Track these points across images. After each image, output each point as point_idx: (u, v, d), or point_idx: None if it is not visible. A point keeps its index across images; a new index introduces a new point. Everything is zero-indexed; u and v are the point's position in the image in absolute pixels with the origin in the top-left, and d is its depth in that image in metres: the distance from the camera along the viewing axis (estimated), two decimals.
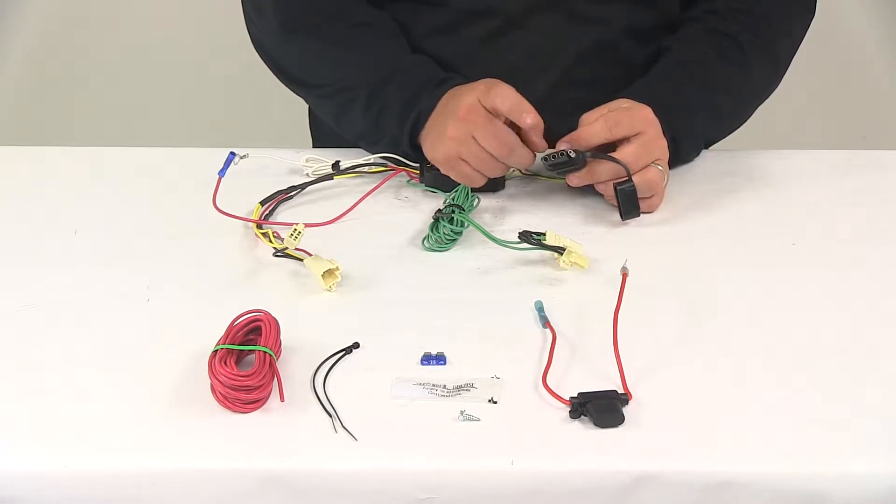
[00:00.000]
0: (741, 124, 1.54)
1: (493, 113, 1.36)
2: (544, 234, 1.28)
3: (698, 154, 1.50)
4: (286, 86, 1.57)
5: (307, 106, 1.67)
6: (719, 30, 1.51)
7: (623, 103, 1.38)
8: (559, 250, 1.27)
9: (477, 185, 1.39)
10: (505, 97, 1.35)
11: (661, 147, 1.37)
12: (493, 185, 1.43)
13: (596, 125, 1.35)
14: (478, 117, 1.36)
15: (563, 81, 1.51)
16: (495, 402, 1.08)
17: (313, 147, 1.70)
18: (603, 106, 1.38)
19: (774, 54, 1.53)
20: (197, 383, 1.09)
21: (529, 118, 1.34)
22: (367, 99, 1.46)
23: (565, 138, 1.36)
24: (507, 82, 1.39)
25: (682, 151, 1.45)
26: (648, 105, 1.38)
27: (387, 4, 1.52)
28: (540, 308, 1.21)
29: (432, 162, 1.41)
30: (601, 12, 1.50)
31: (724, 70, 1.49)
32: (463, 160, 1.38)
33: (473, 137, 1.36)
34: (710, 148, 1.56)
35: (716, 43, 1.50)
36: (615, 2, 1.50)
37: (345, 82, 1.49)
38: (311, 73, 1.53)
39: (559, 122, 1.38)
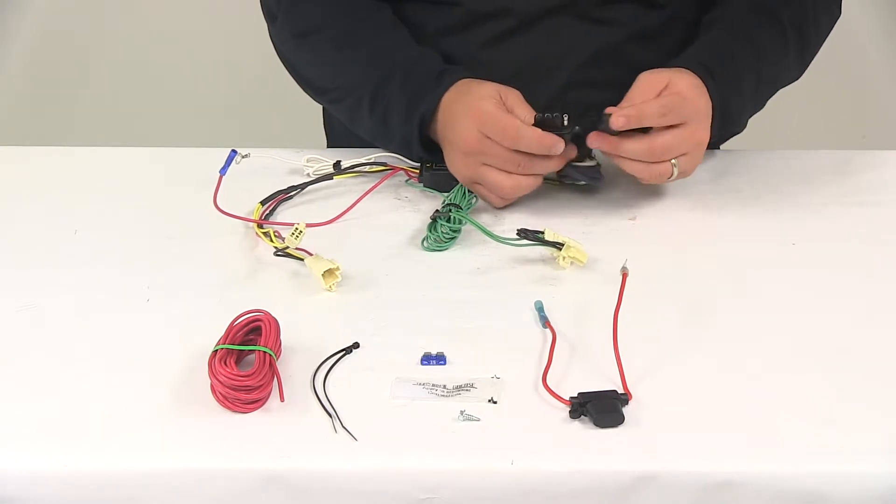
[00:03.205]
0: (764, 103, 1.54)
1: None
2: (543, 233, 1.28)
3: (741, 121, 1.50)
4: (307, 93, 1.57)
5: (321, 106, 1.68)
6: (764, 6, 1.51)
7: (678, 82, 1.37)
8: (558, 246, 1.27)
9: (500, 205, 1.39)
10: (530, 141, 1.34)
11: (695, 141, 1.36)
12: None
13: (651, 107, 1.34)
14: (483, 145, 1.35)
15: (572, 82, 1.51)
16: (495, 402, 1.08)
17: (328, 147, 1.71)
18: (664, 75, 1.37)
19: (806, 41, 1.54)
20: (197, 383, 1.09)
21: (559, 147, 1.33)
22: (370, 101, 1.46)
23: (615, 110, 1.33)
24: (515, 83, 1.40)
25: (731, 115, 1.44)
26: (703, 64, 1.39)
27: (398, 4, 1.52)
28: (540, 308, 1.21)
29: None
30: (610, 14, 1.50)
31: (765, 41, 1.50)
32: (479, 184, 1.38)
33: (486, 165, 1.36)
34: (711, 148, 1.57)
35: (759, 16, 1.51)
36: (624, 4, 1.51)
37: (349, 85, 1.49)
38: (320, 77, 1.53)
39: (586, 121, 1.38)
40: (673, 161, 1.36)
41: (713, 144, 1.54)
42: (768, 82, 1.53)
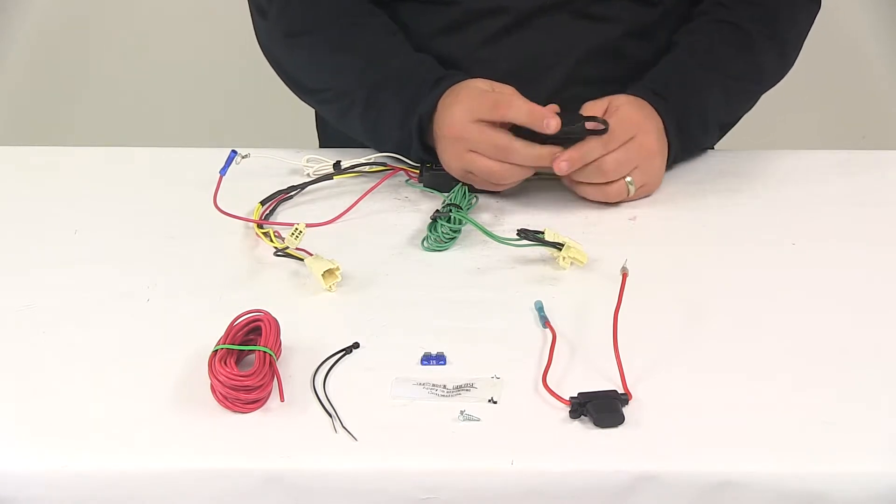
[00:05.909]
0: (747, 109, 1.54)
1: (501, 124, 1.35)
2: (543, 232, 1.28)
3: (708, 134, 1.50)
4: (293, 92, 1.57)
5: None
6: (725, 19, 1.52)
7: (618, 100, 1.39)
8: (558, 246, 1.27)
9: (499, 190, 1.40)
10: (518, 109, 1.34)
11: (645, 152, 1.38)
12: None
13: (591, 143, 1.35)
14: (468, 132, 1.36)
15: (569, 80, 1.51)
16: (495, 402, 1.08)
17: (320, 147, 1.70)
18: (604, 99, 1.39)
19: (781, 41, 1.54)
20: (197, 383, 1.09)
21: (553, 123, 1.33)
22: (364, 104, 1.46)
23: (563, 157, 1.34)
24: (512, 81, 1.40)
25: (689, 130, 1.44)
26: (651, 90, 1.41)
27: (395, 4, 1.52)
28: (540, 308, 1.21)
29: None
30: (605, 11, 1.50)
31: (728, 53, 1.50)
32: (471, 173, 1.38)
33: (472, 151, 1.36)
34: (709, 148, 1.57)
35: (721, 30, 1.51)
36: (618, 0, 1.51)
37: (342, 87, 1.48)
38: (311, 78, 1.53)
39: (565, 120, 1.38)
40: (627, 179, 1.37)
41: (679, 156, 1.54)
42: (739, 93, 1.52)
